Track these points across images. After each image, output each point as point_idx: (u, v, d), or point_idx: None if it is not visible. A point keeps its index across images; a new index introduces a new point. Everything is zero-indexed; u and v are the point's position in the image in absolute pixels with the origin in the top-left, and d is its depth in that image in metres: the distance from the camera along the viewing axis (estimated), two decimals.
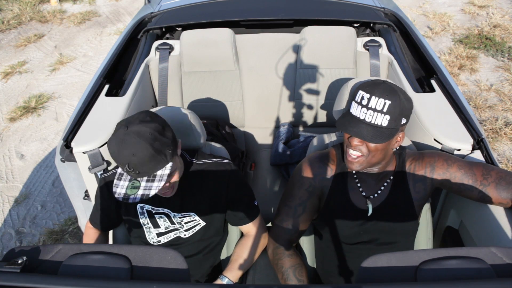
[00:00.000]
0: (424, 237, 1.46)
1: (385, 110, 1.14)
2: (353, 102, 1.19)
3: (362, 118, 1.16)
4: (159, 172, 1.11)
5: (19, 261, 0.71)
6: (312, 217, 1.38)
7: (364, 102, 1.15)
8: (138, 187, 1.11)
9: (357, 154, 1.20)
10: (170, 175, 1.17)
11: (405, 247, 1.35)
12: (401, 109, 1.15)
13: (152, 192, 1.10)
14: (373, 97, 1.14)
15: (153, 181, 1.11)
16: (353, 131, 1.16)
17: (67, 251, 0.76)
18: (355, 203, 1.30)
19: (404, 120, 1.18)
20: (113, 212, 1.39)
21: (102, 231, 1.45)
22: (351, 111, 1.20)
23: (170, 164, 1.12)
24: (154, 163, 1.08)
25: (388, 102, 1.13)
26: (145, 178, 1.11)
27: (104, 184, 1.35)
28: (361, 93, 1.17)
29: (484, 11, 4.80)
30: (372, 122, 1.15)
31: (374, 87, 1.16)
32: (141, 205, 1.33)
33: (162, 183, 1.11)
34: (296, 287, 1.12)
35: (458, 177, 1.25)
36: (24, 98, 3.86)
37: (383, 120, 1.14)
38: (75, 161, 1.56)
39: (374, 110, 1.14)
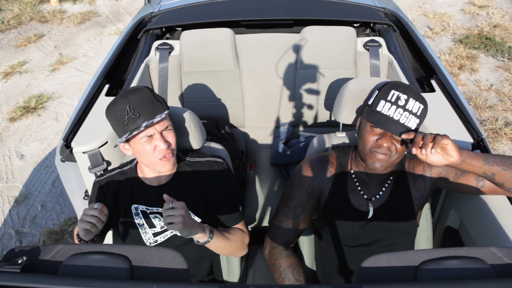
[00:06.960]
0: (424, 237, 1.46)
1: (418, 114, 1.13)
2: (384, 101, 1.15)
3: (396, 118, 1.13)
4: (157, 118, 1.16)
5: (19, 261, 0.71)
6: (311, 218, 1.38)
7: (401, 103, 1.12)
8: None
9: (385, 154, 1.17)
10: (167, 128, 1.22)
11: (405, 247, 1.35)
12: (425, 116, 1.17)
13: (155, 120, 1.15)
14: (411, 99, 1.12)
15: (153, 122, 1.16)
16: (392, 131, 1.13)
17: (67, 251, 0.76)
18: (356, 205, 1.29)
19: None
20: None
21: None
22: (381, 110, 1.15)
23: (166, 111, 1.20)
24: (153, 106, 1.16)
25: (421, 107, 1.14)
26: (145, 122, 1.14)
27: (98, 188, 1.35)
28: (395, 93, 1.14)
29: (484, 11, 4.80)
30: (405, 124, 1.13)
31: (408, 88, 1.15)
32: (135, 205, 1.32)
33: (162, 117, 1.18)
34: (296, 287, 1.12)
35: (454, 169, 1.25)
36: (24, 98, 3.86)
37: (414, 124, 1.13)
38: (75, 161, 1.56)
39: (410, 112, 1.12)
